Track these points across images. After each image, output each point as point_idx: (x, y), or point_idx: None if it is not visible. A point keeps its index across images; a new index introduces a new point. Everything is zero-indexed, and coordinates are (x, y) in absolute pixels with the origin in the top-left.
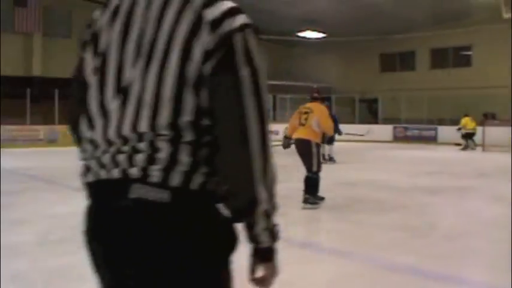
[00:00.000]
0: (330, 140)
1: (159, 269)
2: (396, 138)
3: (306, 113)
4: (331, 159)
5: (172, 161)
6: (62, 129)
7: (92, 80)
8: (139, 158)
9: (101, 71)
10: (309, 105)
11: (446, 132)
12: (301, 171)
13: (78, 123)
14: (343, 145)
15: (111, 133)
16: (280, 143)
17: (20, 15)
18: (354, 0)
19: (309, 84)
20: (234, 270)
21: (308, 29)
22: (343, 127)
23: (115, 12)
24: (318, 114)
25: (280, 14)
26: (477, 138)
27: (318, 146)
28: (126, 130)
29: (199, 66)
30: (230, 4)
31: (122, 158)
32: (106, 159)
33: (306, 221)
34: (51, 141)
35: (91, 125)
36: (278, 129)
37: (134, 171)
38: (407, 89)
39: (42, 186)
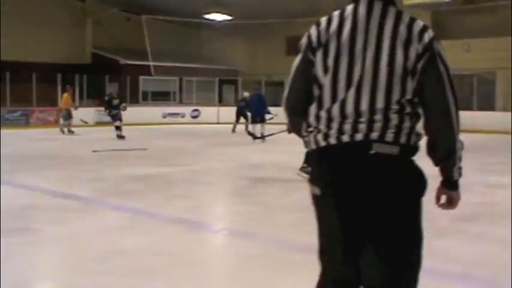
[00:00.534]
0: (262, 120)
1: (391, 197)
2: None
3: None
4: (262, 138)
5: (400, 126)
6: None
7: (322, 75)
8: (377, 125)
9: (334, 70)
10: None
11: None
12: (208, 154)
13: (299, 106)
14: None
15: (348, 110)
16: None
17: None
18: None
19: (215, 66)
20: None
21: (215, 12)
22: None
23: (340, 27)
24: None
25: None
26: None
27: None
28: (364, 107)
29: (414, 63)
30: (422, 22)
31: (362, 126)
32: (347, 128)
33: (211, 203)
34: None
35: (320, 106)
36: (185, 112)
37: (374, 135)
38: None
39: None
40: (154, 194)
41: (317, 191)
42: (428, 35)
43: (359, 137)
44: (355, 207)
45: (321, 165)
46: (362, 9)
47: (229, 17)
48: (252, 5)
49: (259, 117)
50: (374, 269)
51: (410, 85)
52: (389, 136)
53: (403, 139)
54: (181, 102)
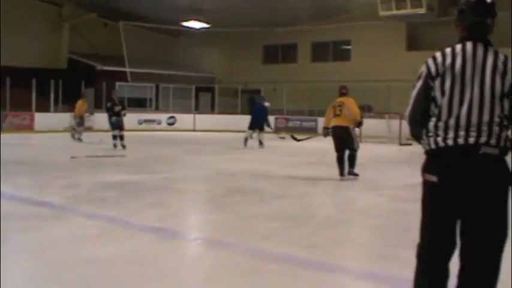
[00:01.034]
0: (261, 128)
1: (493, 185)
2: (277, 129)
3: (339, 105)
4: (260, 144)
5: (499, 134)
6: None
7: (440, 97)
8: (484, 133)
9: (450, 93)
10: (340, 99)
11: None
12: (183, 162)
13: (419, 119)
14: (222, 135)
15: (462, 122)
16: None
17: None
18: None
19: (192, 74)
20: None
21: (193, 19)
22: (226, 118)
23: (453, 61)
24: (349, 105)
25: (166, 2)
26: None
27: (353, 129)
28: (474, 120)
29: (508, 89)
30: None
31: (472, 133)
32: (461, 134)
33: (185, 212)
34: None
35: (439, 119)
36: (161, 119)
37: (482, 140)
38: (289, 81)
39: None
40: (128, 202)
41: (434, 178)
42: None
43: (471, 141)
44: (463, 191)
45: (440, 159)
46: (469, 49)
47: (207, 25)
48: (230, 13)
49: (258, 125)
50: (469, 250)
51: (506, 104)
52: (493, 141)
53: (501, 143)
54: (157, 109)
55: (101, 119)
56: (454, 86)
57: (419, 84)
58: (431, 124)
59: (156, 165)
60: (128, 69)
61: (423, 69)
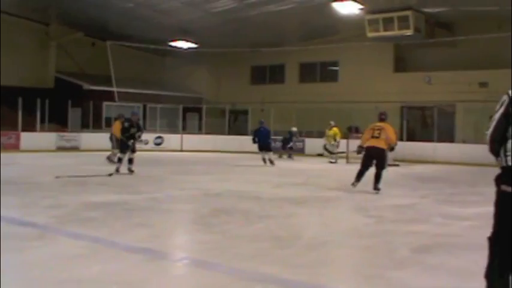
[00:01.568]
0: (268, 149)
1: None
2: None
3: (378, 129)
4: (271, 162)
5: None
6: None
7: None
8: None
9: None
10: (379, 124)
11: (314, 144)
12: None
13: (499, 139)
14: (209, 155)
15: None
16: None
17: None
18: (227, 12)
19: (180, 94)
20: None
21: (181, 39)
22: (213, 138)
23: None
24: (388, 131)
25: (154, 22)
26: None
27: (386, 152)
28: None
29: None
30: None
31: None
32: None
33: (171, 232)
34: None
35: None
36: (148, 139)
37: None
38: (276, 102)
39: None
40: (114, 222)
41: (509, 189)
42: None
43: None
44: None
45: None
46: None
47: (194, 45)
48: (217, 34)
49: (265, 146)
50: None
51: None
52: None
53: None
54: (144, 129)
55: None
56: None
57: (501, 110)
58: (509, 145)
59: (142, 185)
60: (115, 89)
61: (505, 98)
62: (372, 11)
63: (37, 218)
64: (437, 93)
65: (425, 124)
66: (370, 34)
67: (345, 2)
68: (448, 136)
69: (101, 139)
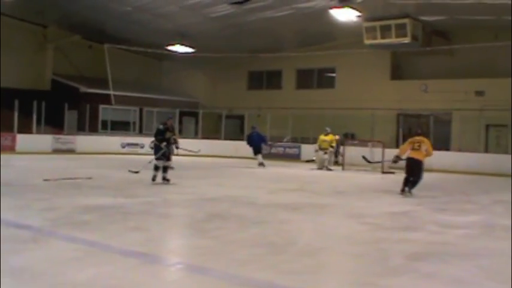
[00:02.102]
0: (259, 151)
1: None
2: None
3: (418, 142)
4: (261, 164)
5: None
6: None
7: None
8: None
9: None
10: (419, 138)
11: (309, 150)
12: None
13: None
14: (205, 160)
15: None
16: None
17: None
18: (225, 17)
19: (176, 98)
20: None
21: (178, 44)
22: (209, 142)
23: None
24: (427, 145)
25: (151, 26)
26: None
27: (423, 163)
28: None
29: None
30: None
31: None
32: None
33: (166, 236)
34: None
35: None
36: (144, 143)
37: None
38: (273, 107)
39: None
40: (108, 226)
41: None
42: None
43: None
44: None
45: None
46: None
47: (191, 50)
48: (215, 38)
49: (258, 150)
50: None
51: None
52: None
53: None
54: (141, 133)
55: (85, 141)
56: None
57: None
58: None
59: (137, 189)
60: (111, 92)
61: None
62: (369, 19)
63: (31, 221)
64: (434, 101)
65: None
66: (367, 41)
67: (342, 9)
68: (443, 144)
69: (96, 142)
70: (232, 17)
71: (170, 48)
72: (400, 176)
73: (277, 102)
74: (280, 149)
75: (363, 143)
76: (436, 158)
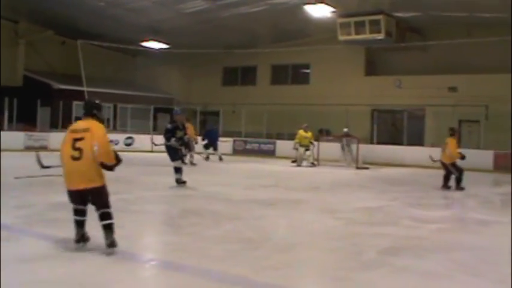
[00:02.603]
0: (216, 148)
1: None
2: (235, 151)
3: (445, 144)
4: (220, 159)
5: None
6: None
7: None
8: None
9: None
10: (447, 139)
11: (284, 146)
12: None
13: None
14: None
15: None
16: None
17: None
18: (199, 13)
19: (151, 94)
20: None
21: (152, 40)
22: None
23: None
24: (450, 146)
25: (125, 21)
26: (312, 152)
27: (452, 163)
28: None
29: None
30: None
31: None
32: None
33: (140, 233)
34: None
35: None
36: (118, 139)
37: None
38: (248, 103)
39: None
40: None
41: None
42: None
43: None
44: None
45: None
46: None
47: (166, 45)
48: (189, 34)
49: (215, 146)
50: None
51: None
52: None
53: None
54: (115, 129)
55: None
56: None
57: None
58: None
59: (111, 186)
60: (85, 89)
61: None
62: (343, 15)
63: (3, 219)
64: (408, 97)
65: (395, 127)
66: (341, 37)
67: (317, 5)
68: (417, 140)
69: None
70: (206, 12)
71: (144, 44)
72: (375, 172)
73: (252, 98)
74: (255, 145)
75: (338, 138)
76: (410, 154)
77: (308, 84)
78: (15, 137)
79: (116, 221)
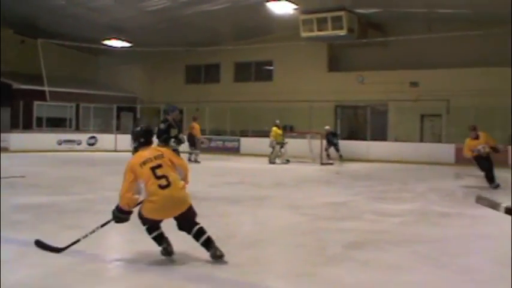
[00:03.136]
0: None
1: None
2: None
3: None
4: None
5: None
6: None
7: None
8: None
9: None
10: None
11: (249, 143)
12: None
13: None
14: None
15: None
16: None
17: None
18: (161, 11)
19: (113, 93)
20: None
21: (114, 38)
22: None
23: None
24: (482, 142)
25: (86, 20)
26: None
27: (474, 161)
28: None
29: None
30: None
31: None
32: None
33: (104, 233)
34: None
35: None
36: (81, 139)
37: None
38: (211, 101)
39: None
40: (43, 225)
41: None
42: None
43: None
44: None
45: None
46: None
47: (128, 44)
48: (151, 32)
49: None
50: None
51: None
52: None
53: None
54: (77, 129)
55: (19, 139)
56: None
57: None
58: None
59: (74, 187)
60: (46, 88)
61: None
62: (306, 11)
63: None
64: (370, 93)
65: (358, 123)
66: (304, 34)
67: (279, 2)
68: (380, 135)
69: (31, 139)
70: (168, 10)
71: (106, 42)
72: (339, 167)
73: (216, 95)
74: (219, 143)
75: (302, 135)
76: (374, 148)
77: (271, 81)
78: None
79: (78, 221)
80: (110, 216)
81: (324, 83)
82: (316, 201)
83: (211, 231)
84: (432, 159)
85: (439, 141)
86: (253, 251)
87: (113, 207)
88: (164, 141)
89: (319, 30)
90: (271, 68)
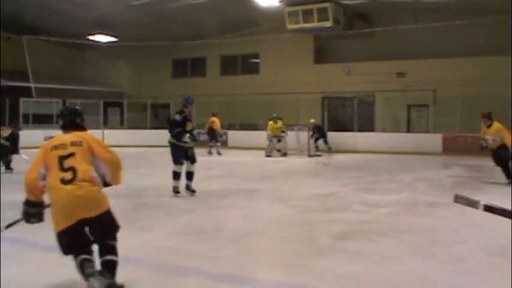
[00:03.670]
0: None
1: None
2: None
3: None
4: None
5: None
6: None
7: None
8: None
9: None
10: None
11: (236, 136)
12: None
13: None
14: (132, 150)
15: None
16: None
17: None
18: (146, 5)
19: (100, 89)
20: None
21: (100, 33)
22: (135, 133)
23: None
24: (492, 133)
25: (71, 15)
26: (264, 143)
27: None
28: None
29: None
30: None
31: None
32: None
33: None
34: None
35: None
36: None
37: None
38: (198, 95)
39: None
40: None
41: None
42: None
43: None
44: None
45: None
46: None
47: (114, 39)
48: (137, 27)
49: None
50: None
51: None
52: None
53: None
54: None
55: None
56: None
57: None
58: None
59: None
60: (32, 85)
61: None
62: (291, 3)
63: None
64: (357, 84)
65: (345, 114)
66: (290, 26)
67: None
68: (368, 126)
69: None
70: (154, 4)
71: (92, 38)
72: (327, 159)
73: (202, 89)
74: (206, 136)
75: (289, 127)
76: (361, 139)
77: (258, 73)
78: None
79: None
80: None
81: (310, 75)
82: (304, 193)
83: (200, 226)
84: (419, 149)
85: (426, 131)
86: (243, 244)
87: None
88: (177, 135)
89: (305, 22)
90: (257, 60)
